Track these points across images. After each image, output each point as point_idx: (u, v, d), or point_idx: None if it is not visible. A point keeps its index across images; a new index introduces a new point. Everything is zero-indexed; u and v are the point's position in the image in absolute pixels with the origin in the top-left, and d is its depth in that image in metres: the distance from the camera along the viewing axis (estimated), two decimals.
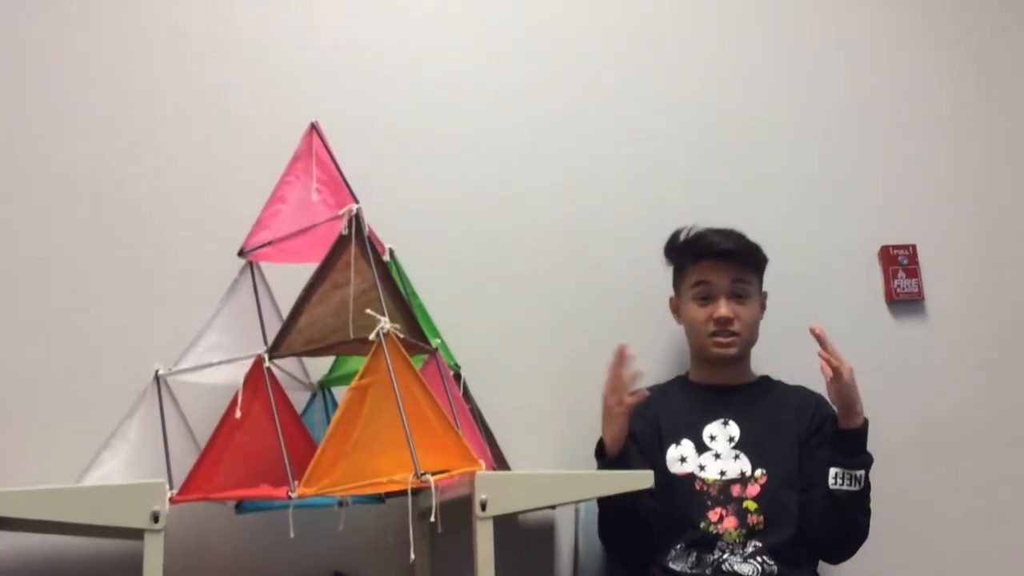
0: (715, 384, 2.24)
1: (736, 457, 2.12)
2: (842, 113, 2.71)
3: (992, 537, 2.47)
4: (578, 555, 2.22)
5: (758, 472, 2.09)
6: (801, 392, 2.23)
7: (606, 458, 2.02)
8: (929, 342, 2.59)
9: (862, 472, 1.98)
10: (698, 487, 2.09)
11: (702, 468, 2.11)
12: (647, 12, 2.67)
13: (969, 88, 2.79)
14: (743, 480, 2.08)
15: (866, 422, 2.01)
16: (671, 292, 2.32)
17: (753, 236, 2.25)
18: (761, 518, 2.04)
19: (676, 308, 2.32)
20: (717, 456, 2.12)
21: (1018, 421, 2.56)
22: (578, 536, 2.23)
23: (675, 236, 2.29)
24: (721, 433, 2.15)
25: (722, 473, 2.09)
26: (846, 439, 2.00)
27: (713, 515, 2.05)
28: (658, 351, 2.41)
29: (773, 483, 2.08)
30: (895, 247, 2.61)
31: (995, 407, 2.57)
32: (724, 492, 2.07)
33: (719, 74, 2.68)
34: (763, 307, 2.27)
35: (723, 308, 2.17)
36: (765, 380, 2.29)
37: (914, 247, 2.62)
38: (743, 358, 2.25)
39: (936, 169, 2.71)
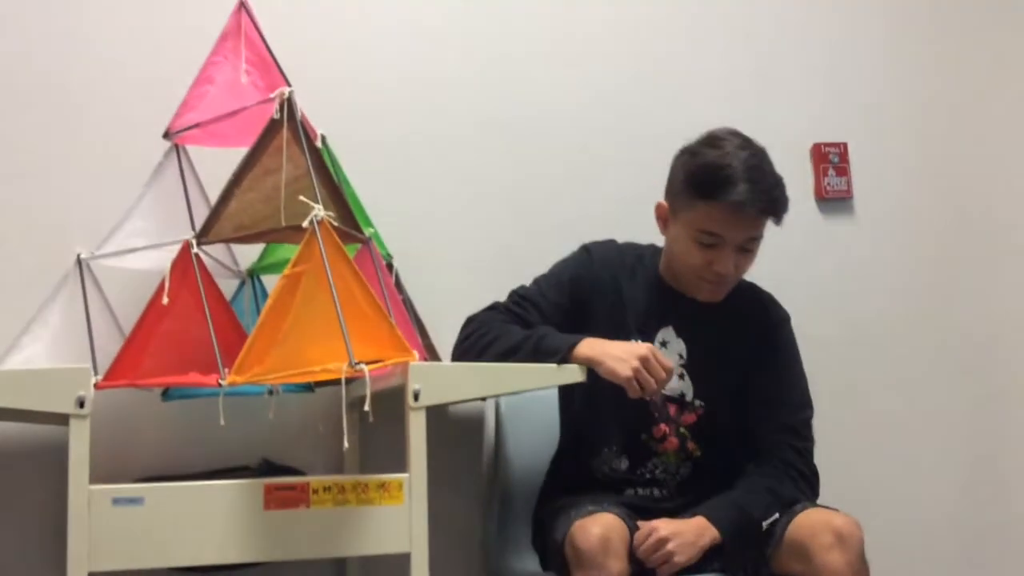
0: (679, 289, 1.99)
1: (682, 376, 1.96)
2: (776, 8, 2.68)
3: (915, 434, 2.58)
4: (499, 446, 2.21)
5: (697, 402, 1.96)
6: (755, 297, 2.05)
7: (560, 358, 1.77)
8: (857, 240, 2.63)
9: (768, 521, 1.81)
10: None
11: None
12: None
13: None
14: (682, 403, 1.96)
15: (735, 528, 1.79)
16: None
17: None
18: (696, 446, 1.95)
19: (666, 221, 1.97)
20: None
21: (941, 319, 2.65)
22: (499, 425, 2.22)
23: (702, 154, 1.89)
24: (673, 342, 1.97)
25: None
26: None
27: (658, 431, 1.95)
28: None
29: (709, 417, 1.95)
30: (827, 145, 2.63)
31: (919, 305, 2.64)
32: (664, 407, 1.95)
33: None
34: None
35: (728, 264, 1.87)
36: None
37: (845, 145, 2.64)
38: None
39: (870, 67, 2.72)
